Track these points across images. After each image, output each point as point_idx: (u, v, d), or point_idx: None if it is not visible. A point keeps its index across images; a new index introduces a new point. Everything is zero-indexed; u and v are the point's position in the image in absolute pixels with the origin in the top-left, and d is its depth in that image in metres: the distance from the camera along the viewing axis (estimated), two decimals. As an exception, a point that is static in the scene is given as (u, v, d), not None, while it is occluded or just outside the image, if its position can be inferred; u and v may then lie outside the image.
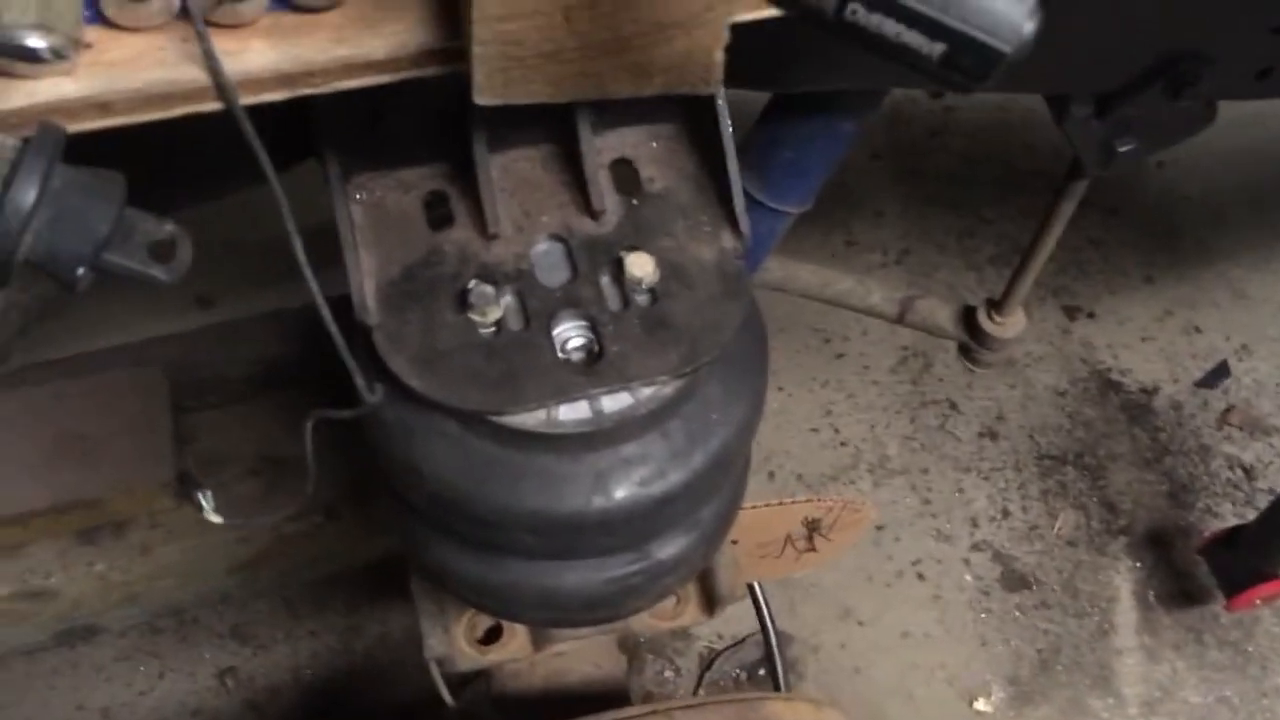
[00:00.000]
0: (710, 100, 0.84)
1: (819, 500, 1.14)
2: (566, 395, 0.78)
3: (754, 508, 1.13)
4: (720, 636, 1.92)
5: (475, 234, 0.84)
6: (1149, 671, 1.88)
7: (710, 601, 1.14)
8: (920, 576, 1.98)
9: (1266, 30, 0.96)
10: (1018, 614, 1.95)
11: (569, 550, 0.86)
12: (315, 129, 0.79)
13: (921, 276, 2.33)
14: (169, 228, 0.55)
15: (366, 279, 0.81)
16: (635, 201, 0.87)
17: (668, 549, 0.90)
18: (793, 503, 1.14)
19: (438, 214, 0.86)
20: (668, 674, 1.88)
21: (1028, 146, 2.48)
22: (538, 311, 0.81)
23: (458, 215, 0.85)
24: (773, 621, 1.40)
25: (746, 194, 1.13)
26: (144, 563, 1.64)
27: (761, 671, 1.89)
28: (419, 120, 0.83)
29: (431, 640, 1.06)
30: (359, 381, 0.75)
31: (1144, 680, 1.88)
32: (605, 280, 0.83)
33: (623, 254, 0.83)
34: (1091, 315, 2.30)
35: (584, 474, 0.80)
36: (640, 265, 0.82)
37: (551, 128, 0.86)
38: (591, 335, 0.81)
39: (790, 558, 1.19)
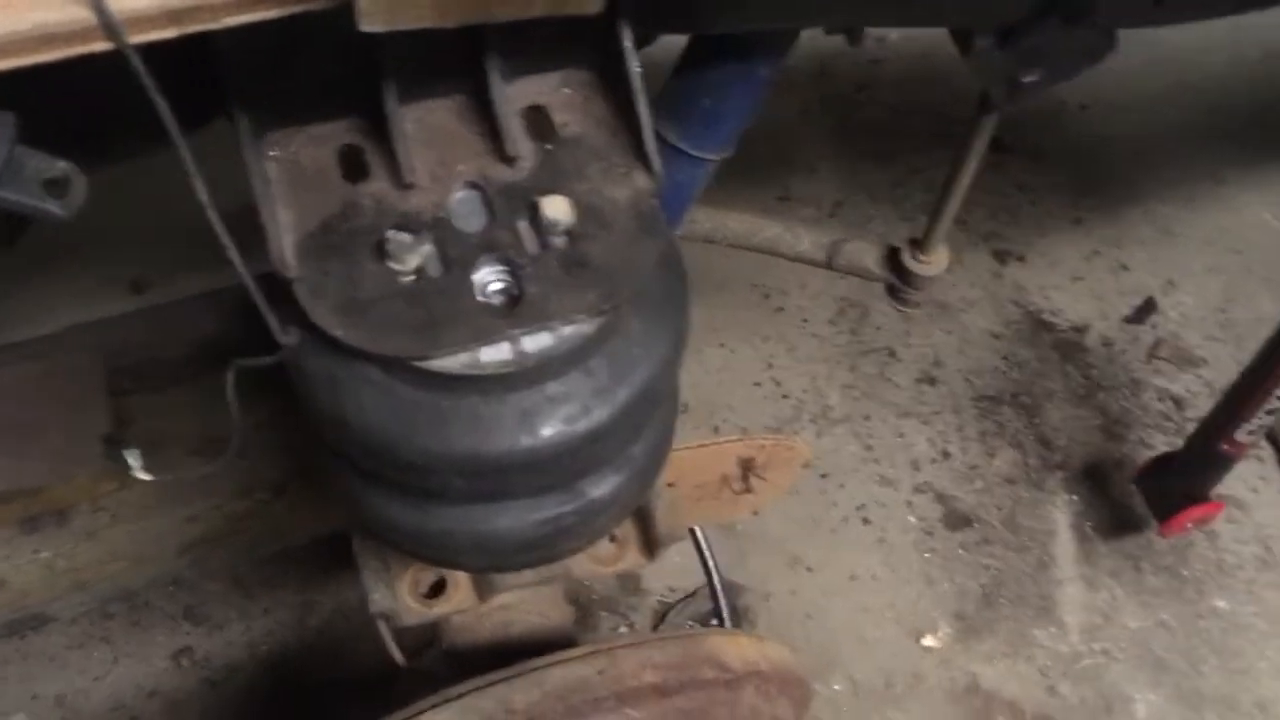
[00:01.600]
0: (619, 45, 0.85)
1: (751, 439, 1.16)
2: (487, 337, 0.79)
3: (687, 448, 1.15)
4: (673, 590, 1.94)
5: (392, 185, 0.85)
6: (1089, 599, 1.93)
7: (650, 544, 1.16)
8: (865, 521, 2.02)
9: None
10: (961, 552, 1.99)
11: (500, 492, 0.88)
12: (225, 85, 0.80)
13: (855, 227, 2.35)
14: (61, 164, 0.56)
15: (285, 233, 0.82)
16: (550, 147, 0.88)
17: (600, 488, 0.92)
18: (725, 442, 1.16)
19: (354, 167, 0.86)
20: (622, 629, 1.90)
21: (955, 95, 2.51)
22: (456, 258, 0.82)
23: (374, 167, 0.85)
24: (716, 564, 1.42)
25: (666, 142, 1.16)
26: (90, 548, 1.63)
27: (714, 622, 1.91)
28: (330, 74, 0.84)
29: (375, 595, 1.08)
30: (272, 323, 0.76)
31: (1085, 608, 1.93)
32: (523, 225, 0.85)
33: (538, 198, 0.84)
34: (1022, 259, 2.35)
35: (509, 414, 0.81)
36: (555, 208, 0.83)
37: (463, 78, 0.87)
38: (511, 278, 0.82)
39: (729, 499, 1.21)
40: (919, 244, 1.43)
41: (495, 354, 0.80)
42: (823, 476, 2.06)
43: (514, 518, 0.90)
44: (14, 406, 1.63)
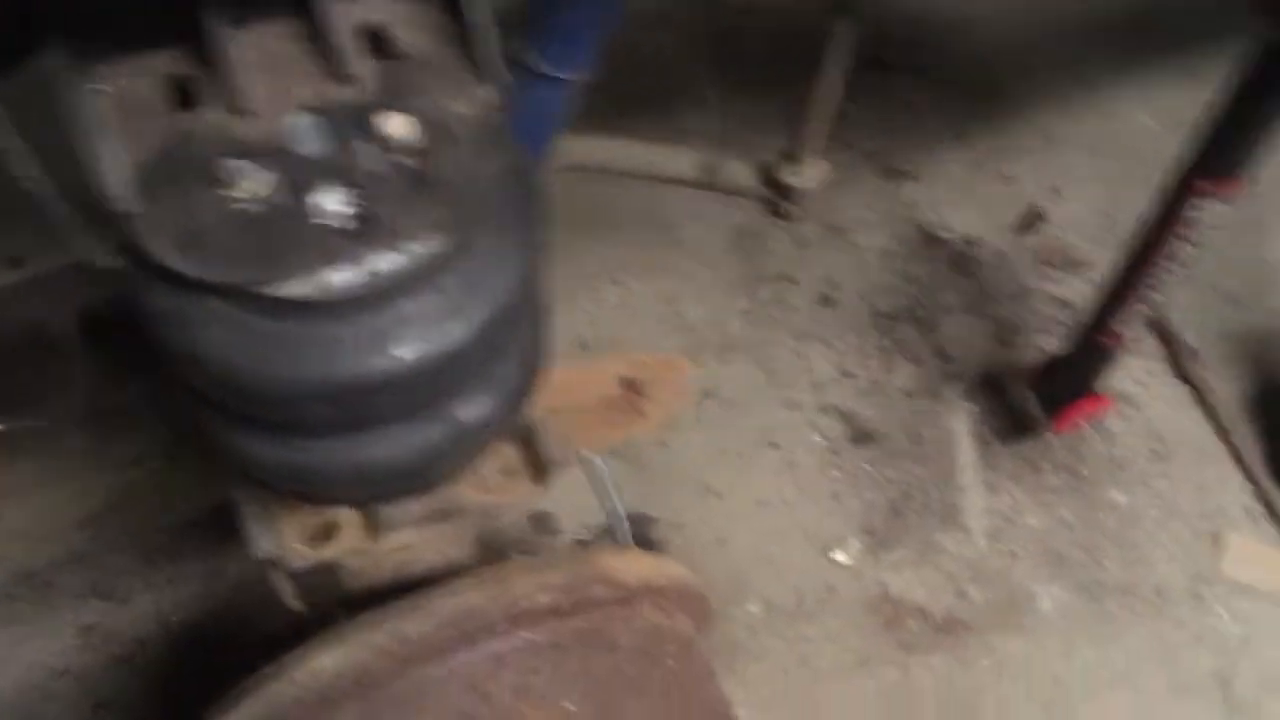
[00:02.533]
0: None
1: (629, 357, 1.16)
2: (331, 260, 0.78)
3: (565, 370, 1.14)
4: (586, 527, 1.94)
5: (227, 113, 0.82)
6: (992, 504, 1.98)
7: (540, 471, 1.15)
8: (772, 445, 2.04)
9: None
10: (867, 467, 2.03)
11: (366, 418, 0.87)
12: (40, 19, 0.77)
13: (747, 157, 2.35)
14: None
15: (114, 168, 0.79)
16: (390, 65, 0.86)
17: (469, 409, 0.91)
18: (606, 360, 1.16)
19: (188, 97, 0.84)
20: (537, 570, 1.90)
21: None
22: (296, 182, 0.80)
23: (208, 97, 0.83)
24: (613, 489, 1.42)
25: (525, 65, 1.14)
26: (-19, 530, 1.59)
27: (625, 554, 1.92)
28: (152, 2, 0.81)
29: (261, 541, 1.06)
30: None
31: (988, 513, 1.97)
32: (366, 145, 0.83)
33: (379, 117, 0.82)
34: (911, 176, 2.37)
35: (363, 336, 0.80)
36: (396, 125, 0.82)
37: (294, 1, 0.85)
38: (357, 200, 0.81)
39: (620, 422, 1.22)
40: (790, 156, 1.44)
41: (345, 276, 0.79)
42: (727, 404, 2.07)
43: (383, 443, 0.89)
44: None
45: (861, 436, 2.06)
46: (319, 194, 0.81)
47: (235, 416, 0.88)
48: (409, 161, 0.83)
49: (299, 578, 1.13)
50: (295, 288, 0.78)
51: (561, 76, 1.18)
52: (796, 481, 2.01)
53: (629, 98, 2.40)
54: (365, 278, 0.79)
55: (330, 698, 0.96)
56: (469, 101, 0.86)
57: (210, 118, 0.83)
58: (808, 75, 2.36)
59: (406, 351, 0.81)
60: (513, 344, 0.93)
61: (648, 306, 2.17)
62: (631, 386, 1.18)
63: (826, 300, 2.20)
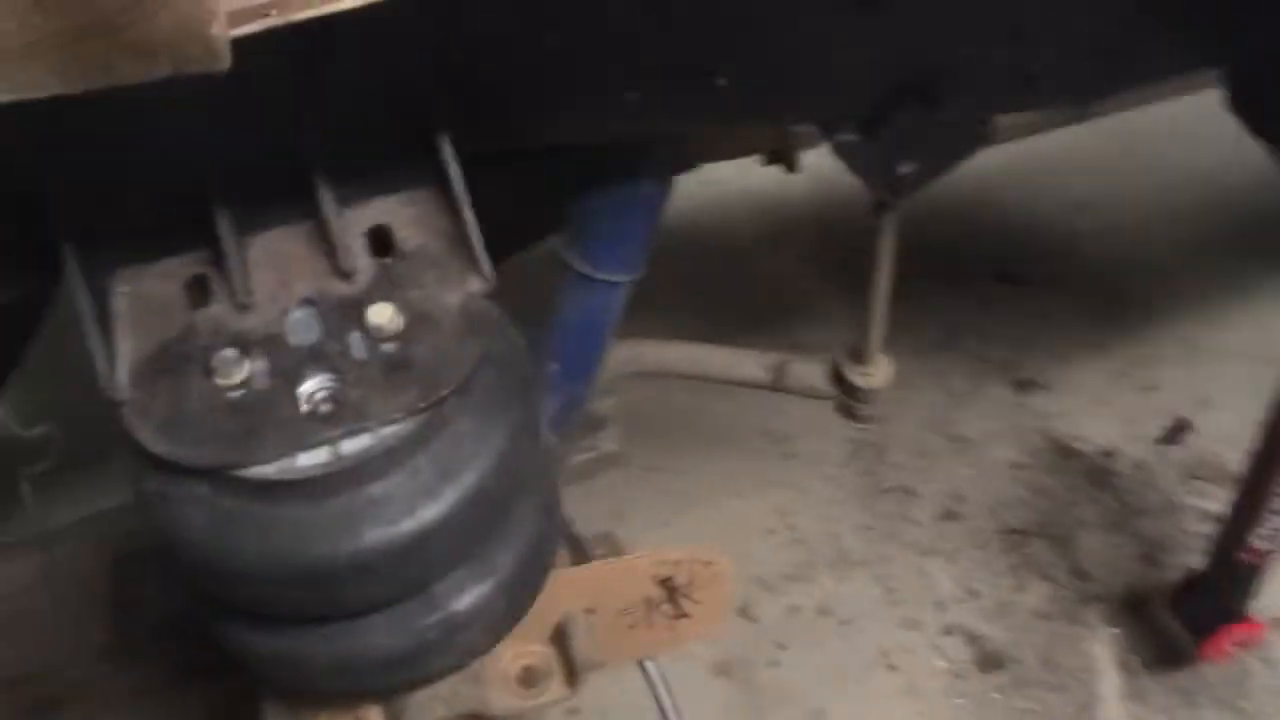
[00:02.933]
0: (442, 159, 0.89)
1: (663, 552, 1.13)
2: (303, 442, 0.80)
3: (589, 567, 1.12)
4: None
5: (230, 307, 0.88)
6: (1139, 740, 1.79)
7: (572, 672, 1.12)
8: (891, 668, 1.92)
9: (1004, 37, 0.99)
10: (996, 695, 1.87)
11: (344, 604, 0.86)
12: (58, 228, 0.84)
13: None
14: None
15: (121, 361, 0.85)
16: (389, 261, 0.91)
17: (461, 599, 0.90)
18: (635, 557, 1.13)
19: (202, 294, 0.90)
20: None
21: (968, 232, 2.52)
22: (282, 370, 0.84)
23: (217, 293, 0.89)
24: (673, 704, 1.36)
25: (573, 269, 1.17)
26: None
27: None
28: (168, 210, 0.88)
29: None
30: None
31: (1134, 750, 1.78)
32: (355, 335, 0.86)
33: (368, 308, 0.86)
34: (1043, 386, 2.28)
35: (331, 518, 0.81)
36: (379, 314, 0.85)
37: (305, 204, 0.91)
38: (336, 386, 0.83)
39: (664, 627, 1.17)
40: (857, 355, 1.41)
41: (312, 458, 0.80)
42: (843, 623, 1.98)
43: (367, 632, 0.88)
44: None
45: (989, 661, 1.91)
46: (304, 381, 0.84)
47: (223, 605, 0.90)
48: (391, 349, 0.85)
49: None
50: (263, 470, 0.80)
51: (608, 279, 1.21)
52: (918, 708, 1.87)
53: (746, 317, 2.44)
54: (331, 459, 0.80)
55: None
56: (458, 291, 0.89)
57: (215, 311, 0.88)
58: (920, 285, 2.34)
59: (373, 533, 0.81)
60: (505, 532, 0.92)
61: (763, 520, 2.12)
62: (669, 587, 1.14)
63: (950, 514, 2.10)
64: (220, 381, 0.83)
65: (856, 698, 1.88)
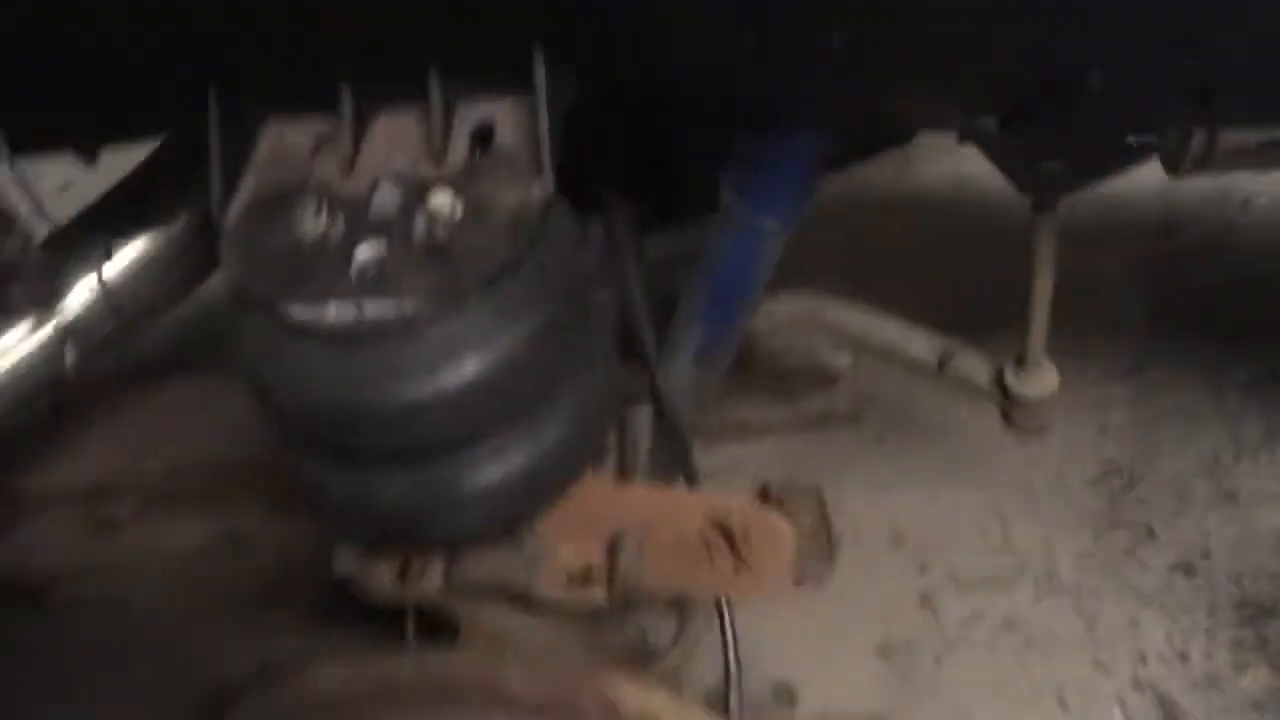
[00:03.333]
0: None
1: (716, 497, 1.14)
2: (335, 297, 0.90)
3: (647, 491, 1.15)
4: (825, 716, 1.85)
5: (338, 170, 0.99)
6: None
7: (613, 583, 1.17)
8: (1061, 703, 1.80)
9: (1166, 42, 0.89)
10: (1167, 770, 1.71)
11: (349, 447, 0.97)
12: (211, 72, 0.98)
13: (1156, 394, 2.14)
14: None
15: (240, 197, 0.99)
16: (480, 154, 0.98)
17: (466, 475, 0.98)
18: (688, 493, 1.15)
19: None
20: None
21: None
22: (352, 232, 0.94)
23: (338, 154, 1.00)
24: (736, 652, 1.37)
25: (725, 208, 1.20)
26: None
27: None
28: (318, 74, 1.00)
29: (342, 560, 1.18)
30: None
31: None
32: (421, 216, 0.95)
33: (437, 194, 0.94)
34: (1352, 460, 2.00)
35: (341, 367, 0.91)
36: (438, 200, 0.93)
37: (424, 93, 1.00)
38: (384, 255, 0.93)
39: (724, 573, 1.19)
40: (1020, 361, 1.32)
41: (341, 313, 0.90)
42: (1026, 643, 1.87)
43: (376, 484, 0.98)
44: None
45: (1174, 732, 1.75)
46: (363, 244, 0.94)
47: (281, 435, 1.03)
48: (443, 233, 0.93)
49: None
50: (297, 311, 0.91)
51: (754, 224, 1.21)
52: (1075, 754, 1.75)
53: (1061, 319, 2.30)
54: (354, 318, 0.89)
55: (305, 712, 1.05)
56: (519, 194, 0.95)
57: (328, 170, 0.99)
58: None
59: (373, 392, 0.90)
60: (520, 428, 0.98)
61: (977, 519, 2.03)
62: (727, 535, 1.15)
63: (1187, 569, 1.91)
64: (297, 229, 0.94)
65: (1011, 718, 1.79)
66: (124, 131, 1.09)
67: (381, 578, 1.19)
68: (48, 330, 1.41)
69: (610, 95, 1.25)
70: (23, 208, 1.18)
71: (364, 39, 0.96)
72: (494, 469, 0.99)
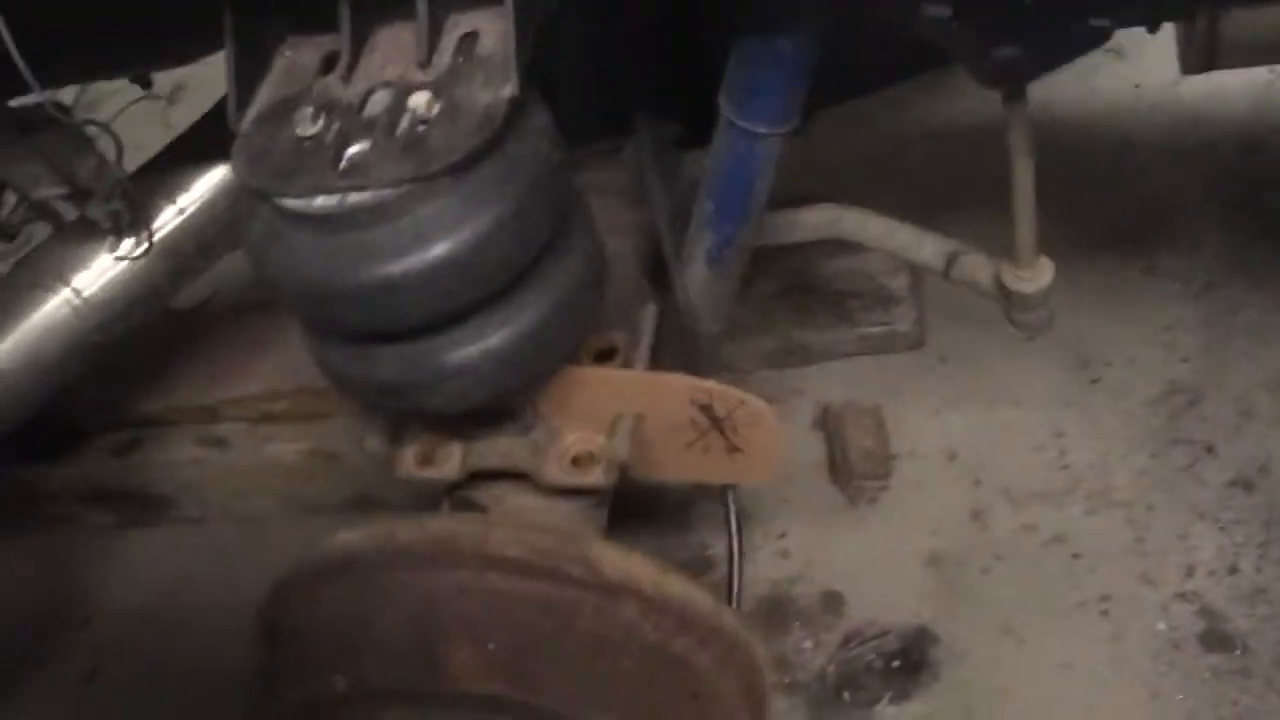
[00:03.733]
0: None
1: (699, 381, 1.21)
2: (322, 188, 1.01)
3: (626, 372, 1.24)
4: (871, 623, 1.92)
5: (339, 79, 1.10)
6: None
7: (610, 465, 1.26)
8: (1104, 613, 1.82)
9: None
10: (1208, 675, 1.72)
11: (341, 324, 1.08)
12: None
13: (1226, 313, 2.11)
14: None
15: (253, 107, 1.11)
16: (461, 60, 1.08)
17: (447, 352, 1.08)
18: (671, 376, 1.23)
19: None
20: (806, 644, 1.92)
21: None
22: (344, 133, 1.06)
23: (339, 66, 1.12)
24: (739, 539, 1.44)
25: (722, 114, 1.27)
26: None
27: (896, 664, 1.86)
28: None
29: (372, 440, 1.31)
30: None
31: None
32: (405, 115, 1.05)
33: (418, 94, 1.05)
34: None
35: (327, 250, 1.03)
36: (417, 100, 1.04)
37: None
38: (368, 150, 1.03)
39: (718, 457, 1.26)
40: (1015, 259, 1.34)
41: (325, 201, 1.02)
42: (1074, 556, 1.89)
43: (372, 361, 1.10)
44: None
45: (1217, 641, 1.75)
46: (353, 143, 1.05)
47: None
48: (421, 129, 1.03)
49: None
50: (291, 202, 1.02)
51: (749, 128, 1.28)
52: (1115, 659, 1.77)
53: (1109, 224, 2.28)
54: (337, 204, 1.01)
55: (329, 571, 1.18)
56: (491, 95, 1.04)
57: (329, 80, 1.11)
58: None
59: (354, 270, 1.02)
60: (497, 308, 1.08)
61: (1035, 436, 2.05)
62: (711, 415, 1.23)
63: (1246, 484, 1.89)
64: (297, 131, 1.06)
65: (1052, 629, 1.82)
66: (161, 58, 1.22)
67: (405, 462, 1.31)
68: (137, 249, 1.57)
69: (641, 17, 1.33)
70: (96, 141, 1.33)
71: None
72: (473, 347, 1.10)
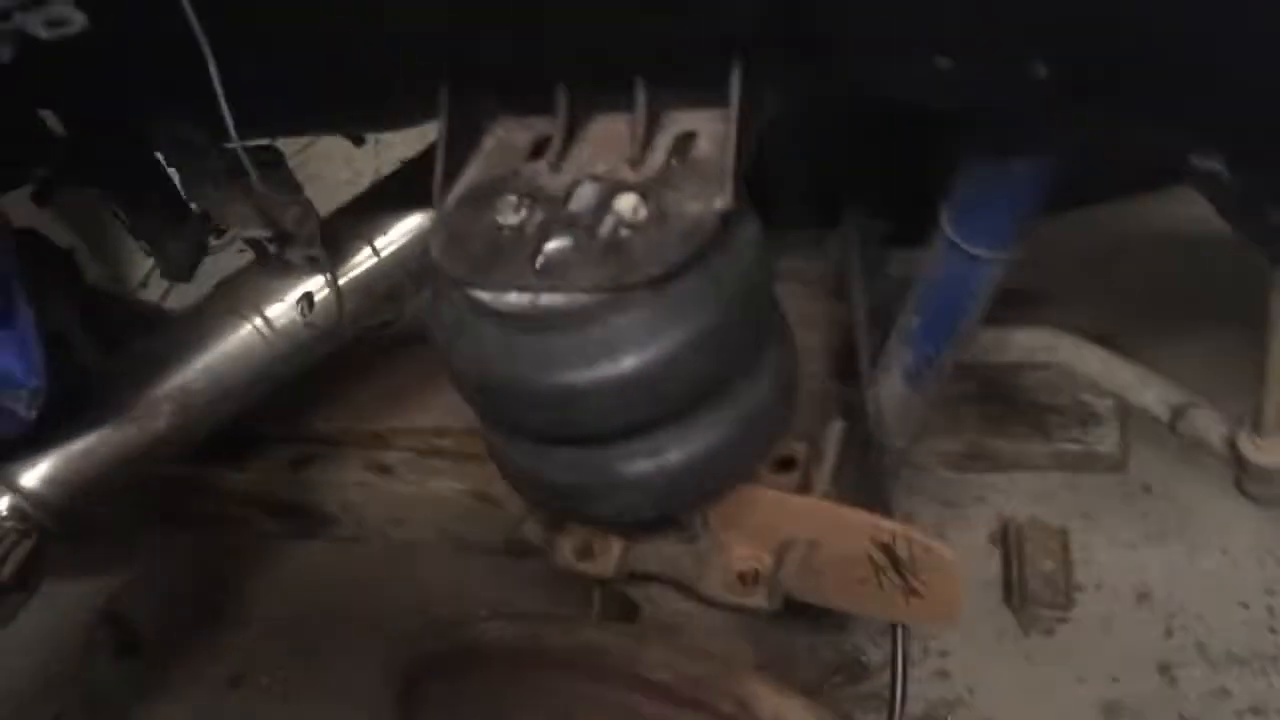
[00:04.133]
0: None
1: (883, 521, 1.13)
2: (517, 283, 0.97)
3: (810, 501, 1.16)
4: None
5: (547, 167, 1.07)
6: None
7: (774, 590, 1.19)
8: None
9: None
10: None
11: (518, 423, 1.04)
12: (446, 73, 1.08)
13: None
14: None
15: (459, 186, 1.08)
16: (675, 162, 1.03)
17: (623, 463, 1.03)
18: (855, 511, 1.14)
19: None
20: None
21: None
22: (547, 225, 1.02)
23: (549, 153, 1.08)
24: (905, 668, 1.34)
25: (942, 231, 1.19)
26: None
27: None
28: (539, 78, 1.08)
29: (530, 529, 1.27)
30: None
31: None
32: (610, 215, 1.01)
33: (626, 196, 1.00)
34: None
35: (520, 350, 0.99)
36: (624, 202, 0.99)
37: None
38: (568, 249, 0.99)
39: (892, 596, 1.18)
40: (1255, 426, 1.21)
41: (518, 299, 0.98)
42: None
43: (547, 461, 1.06)
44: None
45: None
46: (553, 238, 1.01)
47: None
48: (625, 233, 0.98)
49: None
50: (482, 294, 0.99)
51: (968, 250, 1.19)
52: None
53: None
54: (528, 305, 0.97)
55: (473, 658, 1.14)
56: (703, 204, 0.98)
57: (537, 166, 1.07)
58: None
59: (539, 374, 0.97)
60: (678, 425, 1.02)
61: (1244, 591, 1.87)
62: (891, 556, 1.14)
63: None
64: (498, 219, 1.02)
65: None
66: (372, 122, 1.21)
67: (563, 552, 1.27)
68: (324, 284, 1.58)
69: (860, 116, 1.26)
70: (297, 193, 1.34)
71: (579, 45, 1.02)
72: (649, 461, 1.04)
